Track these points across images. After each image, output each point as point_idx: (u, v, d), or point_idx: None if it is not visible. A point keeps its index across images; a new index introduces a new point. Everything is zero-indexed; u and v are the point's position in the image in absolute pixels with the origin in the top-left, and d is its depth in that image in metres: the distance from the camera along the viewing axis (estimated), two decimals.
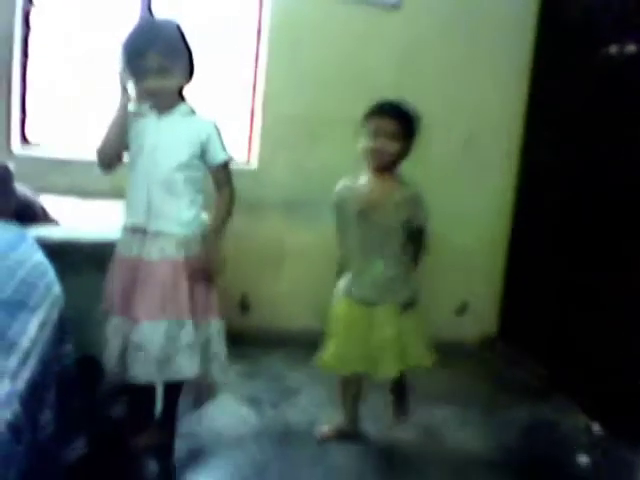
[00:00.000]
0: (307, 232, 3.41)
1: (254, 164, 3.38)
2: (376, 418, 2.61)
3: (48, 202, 2.56)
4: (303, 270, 3.45)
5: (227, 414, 2.59)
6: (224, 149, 2.07)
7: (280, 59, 3.30)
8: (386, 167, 2.26)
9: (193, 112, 2.08)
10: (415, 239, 2.32)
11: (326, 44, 3.33)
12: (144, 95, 2.00)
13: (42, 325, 1.63)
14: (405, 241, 2.28)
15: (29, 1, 3.11)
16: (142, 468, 2.19)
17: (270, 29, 3.28)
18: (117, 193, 2.93)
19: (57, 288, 1.89)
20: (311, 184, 3.37)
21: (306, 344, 3.23)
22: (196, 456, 2.29)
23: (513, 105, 3.58)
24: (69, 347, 1.88)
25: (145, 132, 2.02)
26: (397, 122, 2.21)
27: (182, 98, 2.07)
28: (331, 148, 3.35)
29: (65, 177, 3.03)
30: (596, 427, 2.76)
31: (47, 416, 1.55)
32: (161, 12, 3.23)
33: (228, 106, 3.41)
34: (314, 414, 2.66)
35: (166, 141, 2.02)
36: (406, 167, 2.33)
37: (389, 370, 2.32)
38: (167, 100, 2.03)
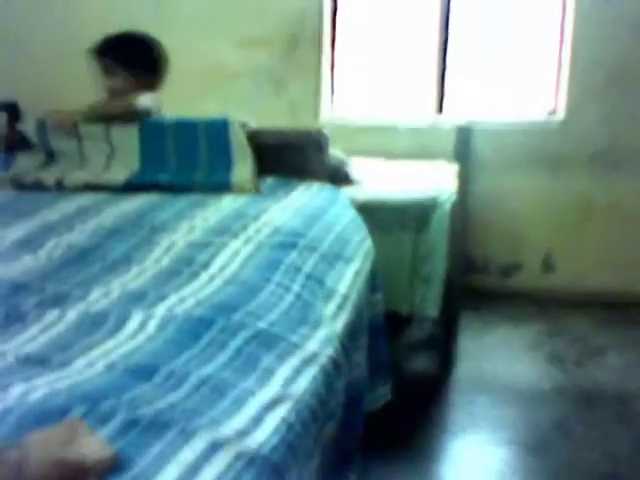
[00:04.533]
0: (615, 186, 3.19)
1: (561, 115, 3.22)
2: None
3: (356, 164, 2.74)
4: (610, 227, 3.24)
5: (528, 371, 2.59)
6: None
7: (591, 2, 3.07)
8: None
9: None
10: None
11: None
12: None
13: (356, 274, 1.78)
14: None
15: None
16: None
17: None
18: (420, 154, 3.06)
19: (368, 242, 2.03)
20: (621, 136, 3.14)
21: (610, 305, 3.10)
22: (495, 410, 2.32)
23: None
24: (379, 296, 2.02)
25: None
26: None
27: None
28: None
29: (371, 140, 3.20)
30: None
31: (359, 358, 1.69)
32: None
33: (534, 53, 3.31)
34: (620, 374, 2.56)
35: None
36: None
37: None
38: None
